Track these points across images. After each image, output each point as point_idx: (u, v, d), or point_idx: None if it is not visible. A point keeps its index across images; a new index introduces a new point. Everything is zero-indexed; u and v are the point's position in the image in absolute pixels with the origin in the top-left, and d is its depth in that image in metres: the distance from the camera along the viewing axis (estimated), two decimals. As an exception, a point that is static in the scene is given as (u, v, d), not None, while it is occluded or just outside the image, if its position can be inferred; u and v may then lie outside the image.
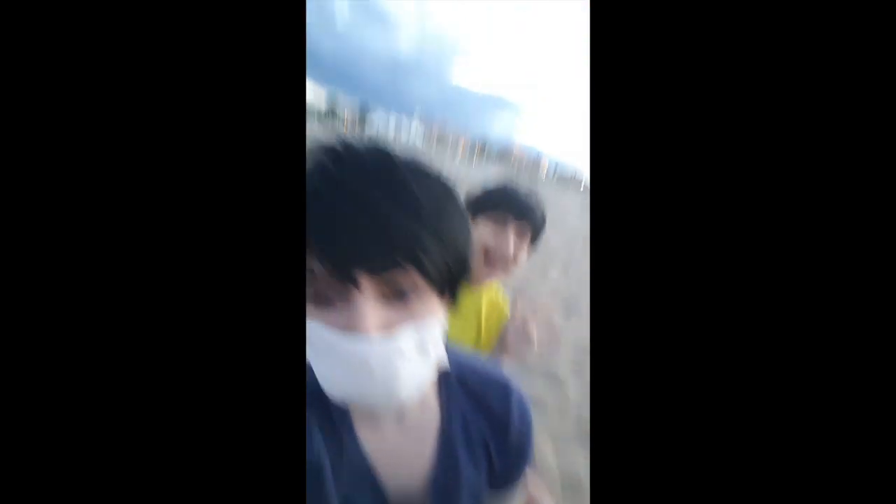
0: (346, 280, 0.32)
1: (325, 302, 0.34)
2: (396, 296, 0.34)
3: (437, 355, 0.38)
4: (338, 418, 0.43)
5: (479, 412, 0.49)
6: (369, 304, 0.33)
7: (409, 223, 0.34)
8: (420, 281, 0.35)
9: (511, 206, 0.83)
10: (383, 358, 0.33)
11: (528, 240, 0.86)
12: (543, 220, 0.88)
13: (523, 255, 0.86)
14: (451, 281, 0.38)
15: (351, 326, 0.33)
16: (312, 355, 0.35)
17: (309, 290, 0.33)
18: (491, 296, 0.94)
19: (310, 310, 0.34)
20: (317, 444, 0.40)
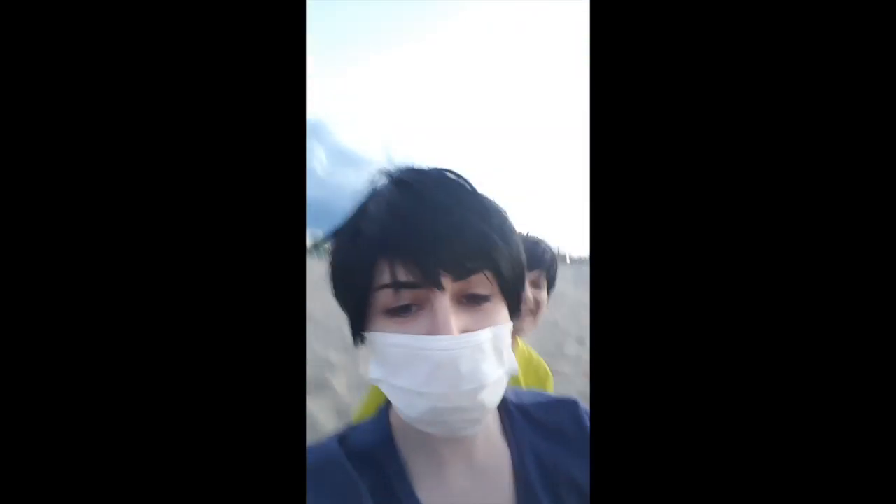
0: (432, 285, 0.34)
1: (408, 313, 0.35)
2: (474, 301, 0.36)
3: (509, 362, 0.38)
4: (394, 475, 0.40)
5: (550, 440, 0.46)
6: (451, 309, 0.34)
7: (484, 227, 0.36)
8: (494, 287, 0.37)
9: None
10: (468, 355, 0.34)
11: (545, 285, 0.90)
12: (554, 263, 0.93)
13: (544, 299, 0.90)
14: (515, 292, 0.39)
15: (435, 330, 0.34)
16: (394, 370, 0.35)
17: (392, 306, 0.35)
18: (526, 356, 0.96)
19: (394, 324, 0.35)
20: None
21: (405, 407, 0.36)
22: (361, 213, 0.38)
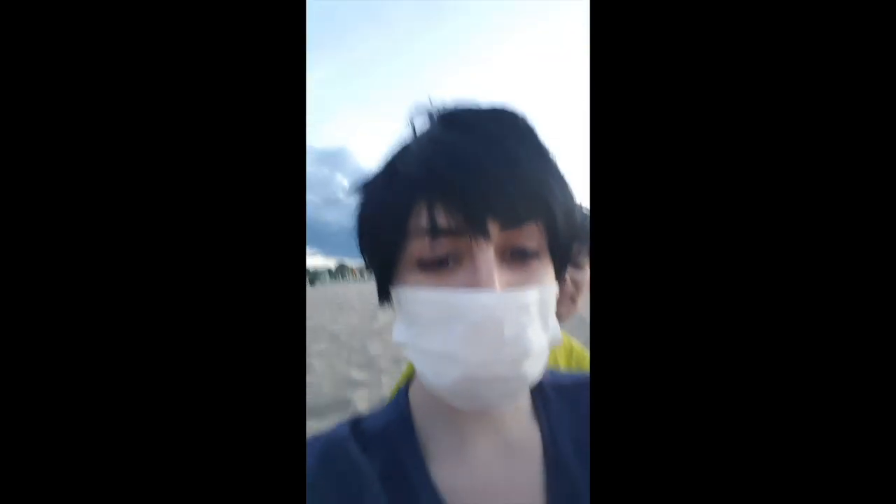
0: (476, 233, 0.29)
1: (446, 264, 0.30)
2: (519, 257, 0.31)
3: (553, 330, 0.34)
4: (409, 457, 0.36)
5: (585, 417, 0.41)
6: (496, 262, 0.30)
7: (541, 170, 0.31)
8: (543, 242, 0.32)
9: None
10: (513, 316, 0.29)
11: (587, 264, 0.74)
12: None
13: (586, 281, 0.74)
14: (565, 251, 0.35)
15: (476, 284, 0.29)
16: (424, 330, 0.31)
17: (427, 257, 0.30)
18: (566, 347, 0.84)
19: (427, 278, 0.31)
20: (372, 496, 0.32)
21: (434, 375, 0.31)
22: (399, 153, 0.33)
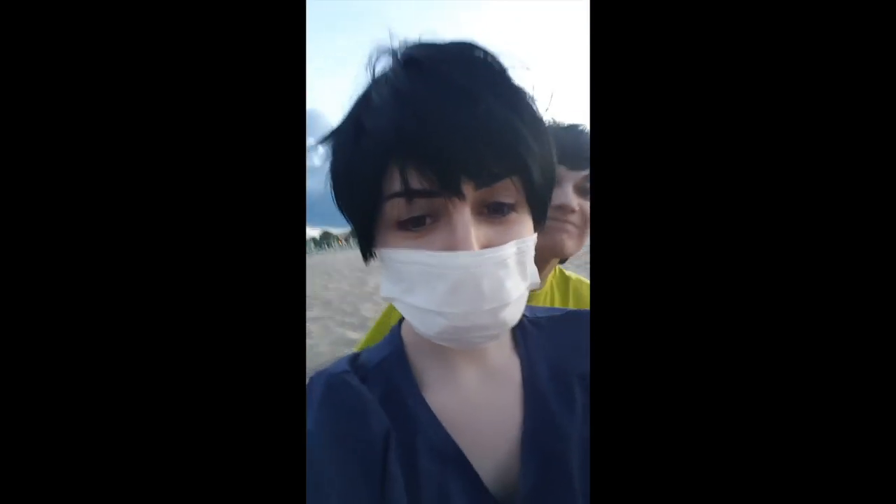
0: (451, 194, 0.29)
1: (422, 225, 0.31)
2: (497, 211, 0.32)
3: (531, 276, 0.36)
4: (405, 385, 0.39)
5: (562, 348, 0.44)
6: (472, 221, 0.30)
7: (515, 121, 0.30)
8: (521, 195, 0.32)
9: (562, 154, 0.60)
10: (490, 272, 0.31)
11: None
12: None
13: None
14: (543, 200, 0.35)
15: (454, 245, 0.30)
16: (409, 288, 0.33)
17: (405, 217, 0.31)
18: (576, 286, 0.79)
19: (406, 238, 0.32)
20: (377, 422, 0.35)
21: (421, 325, 0.34)
22: (363, 105, 0.32)
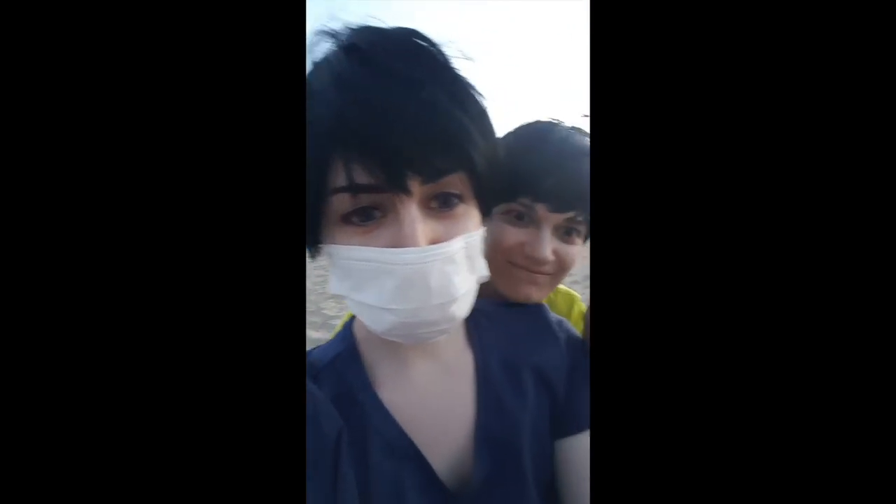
0: (397, 190, 0.29)
1: (370, 219, 0.31)
2: (444, 204, 0.32)
3: (480, 269, 0.36)
4: (357, 382, 0.39)
5: (514, 338, 0.45)
6: (419, 217, 0.30)
7: (460, 115, 0.30)
8: (468, 187, 0.32)
9: (543, 191, 0.47)
10: (438, 267, 0.30)
11: (582, 234, 0.52)
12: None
13: (572, 256, 0.52)
14: (490, 192, 0.35)
15: (401, 241, 0.30)
16: (358, 285, 0.32)
17: (349, 209, 0.31)
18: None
19: (353, 234, 0.31)
20: (328, 423, 0.34)
21: (371, 322, 0.34)
22: (311, 95, 0.30)
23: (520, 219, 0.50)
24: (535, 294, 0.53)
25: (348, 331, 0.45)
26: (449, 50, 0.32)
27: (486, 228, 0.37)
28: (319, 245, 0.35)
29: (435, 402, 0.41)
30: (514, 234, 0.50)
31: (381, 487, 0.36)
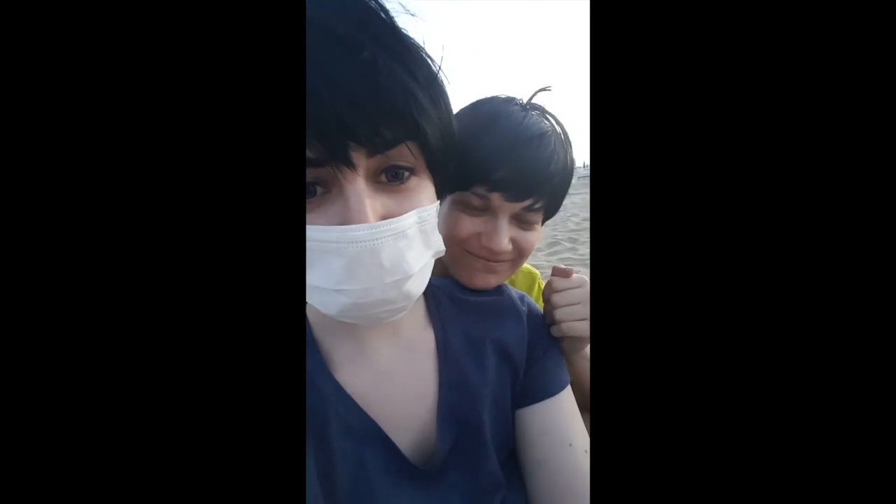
0: (340, 163, 0.27)
1: (312, 196, 0.28)
2: (394, 177, 0.30)
3: (436, 244, 0.34)
4: (313, 368, 0.38)
5: (475, 313, 0.45)
6: (367, 191, 0.28)
7: (407, 79, 0.27)
8: (420, 159, 0.30)
9: (499, 180, 0.45)
10: (390, 244, 0.29)
11: (539, 222, 0.52)
12: (567, 171, 0.50)
13: (531, 244, 0.51)
14: (445, 164, 0.33)
15: (348, 218, 0.28)
16: (308, 267, 0.29)
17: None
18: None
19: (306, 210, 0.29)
20: None
21: (321, 305, 0.32)
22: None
23: (475, 207, 0.48)
24: (493, 282, 0.51)
25: None
26: (392, 7, 0.28)
27: (440, 203, 0.35)
28: None
29: (396, 381, 0.40)
30: (469, 224, 0.48)
31: (346, 470, 0.35)
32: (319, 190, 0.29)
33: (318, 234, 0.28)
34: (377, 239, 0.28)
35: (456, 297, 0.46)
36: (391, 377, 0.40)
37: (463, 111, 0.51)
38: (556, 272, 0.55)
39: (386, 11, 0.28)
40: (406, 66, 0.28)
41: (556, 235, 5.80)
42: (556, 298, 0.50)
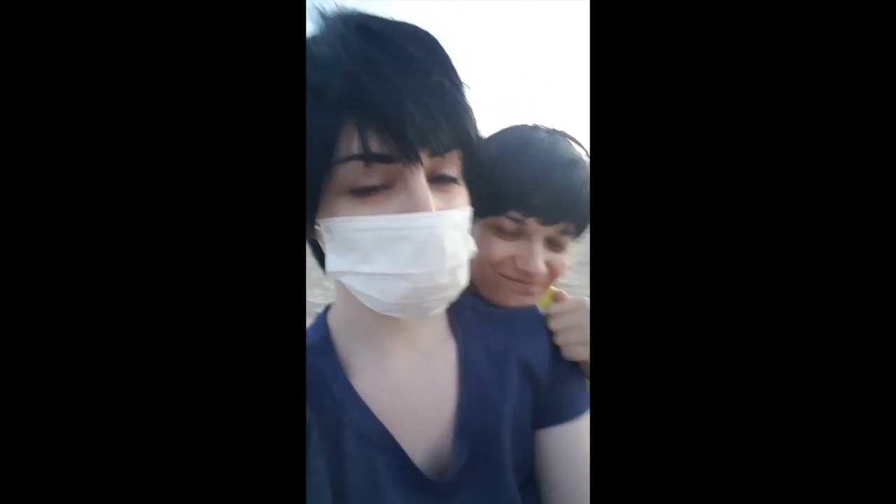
0: (411, 159, 0.30)
1: (377, 190, 0.32)
2: (442, 182, 0.34)
3: (471, 244, 0.37)
4: (330, 373, 0.39)
5: (499, 327, 0.45)
6: (428, 186, 0.32)
7: (461, 98, 0.33)
8: (461, 171, 0.35)
9: (534, 205, 0.47)
10: (449, 230, 0.32)
11: (567, 244, 0.52)
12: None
13: (563, 265, 0.52)
14: (478, 178, 0.38)
15: (413, 208, 0.31)
16: (366, 256, 0.32)
17: (362, 184, 0.31)
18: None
19: (360, 207, 0.32)
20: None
21: (381, 294, 0.33)
22: (317, 63, 0.30)
23: (508, 231, 0.49)
24: (528, 303, 0.53)
25: (321, 322, 0.44)
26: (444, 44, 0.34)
27: (471, 210, 0.38)
28: (315, 220, 0.35)
29: (414, 392, 0.40)
30: (503, 248, 0.50)
31: (357, 477, 0.36)
32: (382, 188, 0.32)
33: (387, 223, 0.31)
34: (441, 226, 0.32)
35: (479, 310, 0.47)
36: (408, 387, 0.40)
37: (491, 138, 0.52)
38: (553, 297, 0.55)
39: (441, 46, 0.34)
40: (458, 87, 0.33)
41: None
42: (552, 324, 0.50)
